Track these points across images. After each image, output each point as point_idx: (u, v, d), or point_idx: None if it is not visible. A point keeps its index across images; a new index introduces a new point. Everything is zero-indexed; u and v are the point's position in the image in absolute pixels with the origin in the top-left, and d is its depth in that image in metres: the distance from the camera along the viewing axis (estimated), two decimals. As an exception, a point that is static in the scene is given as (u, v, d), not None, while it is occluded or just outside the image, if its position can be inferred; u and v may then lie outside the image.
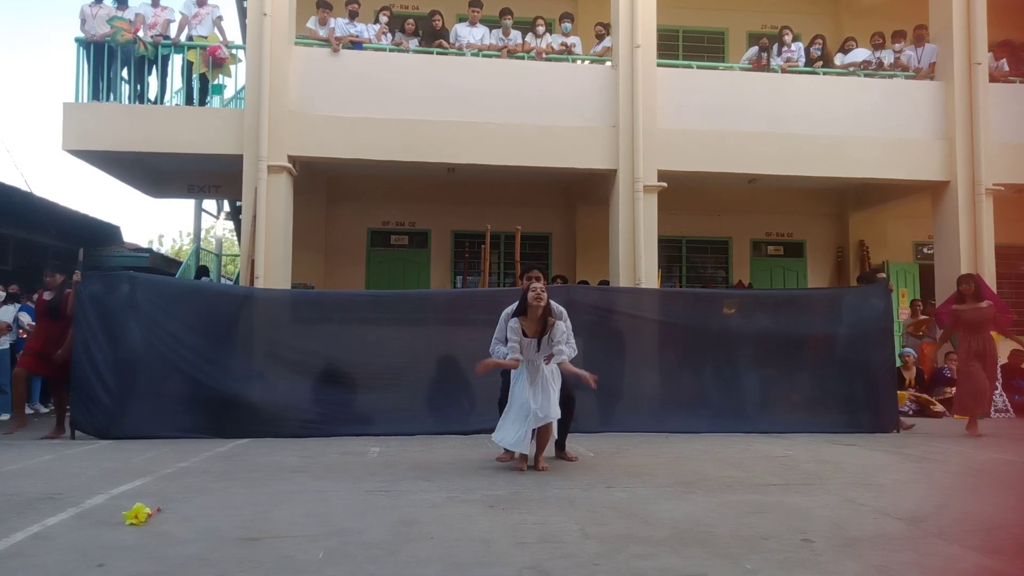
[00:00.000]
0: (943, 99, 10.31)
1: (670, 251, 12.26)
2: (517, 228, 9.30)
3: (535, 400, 4.88)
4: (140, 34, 9.29)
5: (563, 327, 5.10)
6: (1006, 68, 10.89)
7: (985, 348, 7.35)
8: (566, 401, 5.31)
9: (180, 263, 16.85)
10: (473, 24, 10.22)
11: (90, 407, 6.56)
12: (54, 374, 7.05)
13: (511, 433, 4.92)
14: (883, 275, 8.32)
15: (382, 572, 2.70)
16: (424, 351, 7.35)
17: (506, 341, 5.10)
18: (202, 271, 12.52)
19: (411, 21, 10.22)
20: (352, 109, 9.24)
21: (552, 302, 5.18)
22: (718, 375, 7.75)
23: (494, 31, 10.24)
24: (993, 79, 10.44)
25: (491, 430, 6.69)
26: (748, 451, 5.86)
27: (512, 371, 5.14)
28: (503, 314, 5.30)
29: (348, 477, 4.65)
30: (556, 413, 4.95)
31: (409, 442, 6.38)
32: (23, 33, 58.89)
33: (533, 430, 4.92)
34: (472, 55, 9.86)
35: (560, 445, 5.43)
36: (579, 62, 10.22)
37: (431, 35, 10.08)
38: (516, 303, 5.12)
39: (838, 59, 10.91)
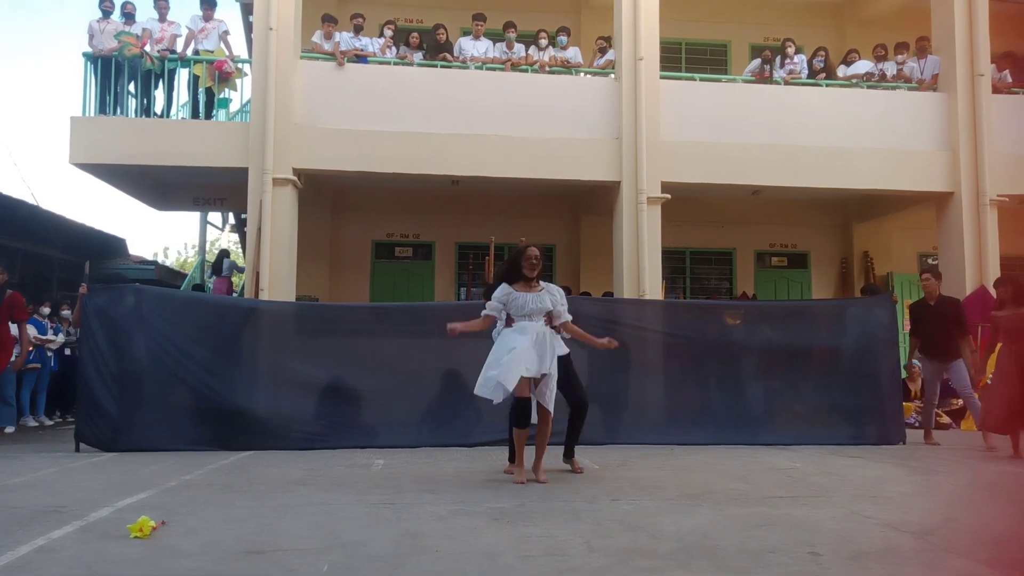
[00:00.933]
0: (946, 110, 10.33)
1: (674, 262, 12.25)
2: (521, 240, 9.28)
3: (532, 351, 4.66)
4: (147, 48, 9.38)
5: (557, 292, 5.05)
6: (1009, 79, 10.90)
7: None
8: (578, 406, 5.29)
9: (185, 275, 16.90)
10: (477, 37, 10.29)
11: (95, 419, 6.57)
12: None
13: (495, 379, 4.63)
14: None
15: (387, 586, 2.69)
16: (428, 363, 7.34)
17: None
18: (223, 254, 12.64)
19: (415, 35, 10.30)
20: (357, 122, 9.29)
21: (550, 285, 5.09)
22: (723, 387, 7.73)
23: (498, 44, 10.31)
24: (996, 90, 10.46)
25: (496, 443, 6.71)
26: (754, 463, 5.83)
27: (503, 332, 4.92)
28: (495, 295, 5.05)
29: (353, 489, 4.64)
30: (551, 373, 4.76)
31: (414, 454, 6.37)
32: (30, 46, 59.47)
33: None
34: (476, 68, 9.92)
35: (569, 453, 5.40)
36: (582, 75, 10.27)
37: (435, 48, 10.15)
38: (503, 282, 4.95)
39: (841, 71, 10.94)
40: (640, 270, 9.46)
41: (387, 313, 8.33)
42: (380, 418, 7.14)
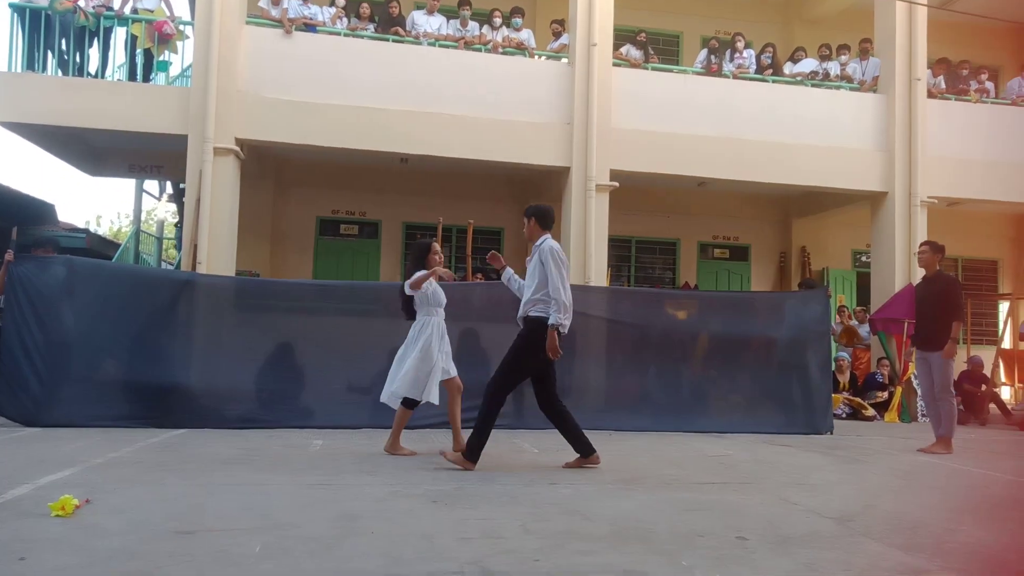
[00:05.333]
0: (884, 112, 10.68)
1: (620, 250, 12.40)
2: (470, 222, 9.25)
3: (443, 357, 5.28)
4: (81, 3, 8.89)
5: None
6: (943, 85, 11.35)
7: None
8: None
9: (119, 245, 16.21)
10: (431, 13, 10.11)
11: (17, 393, 6.27)
12: None
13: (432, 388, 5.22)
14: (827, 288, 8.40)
15: (320, 567, 2.66)
16: (371, 343, 7.25)
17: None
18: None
19: (367, 6, 10.05)
20: (304, 93, 9.04)
21: None
22: (662, 374, 7.89)
23: (452, 21, 10.15)
24: (931, 95, 10.87)
25: (439, 425, 6.70)
26: (689, 450, 5.99)
27: (421, 328, 5.30)
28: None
29: (289, 470, 4.57)
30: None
31: (353, 435, 6.31)
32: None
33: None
34: (429, 44, 9.76)
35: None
36: (536, 57, 10.22)
37: (387, 22, 9.93)
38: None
39: (787, 68, 11.18)
40: (587, 257, 9.53)
41: (330, 291, 8.18)
42: (320, 397, 7.03)
